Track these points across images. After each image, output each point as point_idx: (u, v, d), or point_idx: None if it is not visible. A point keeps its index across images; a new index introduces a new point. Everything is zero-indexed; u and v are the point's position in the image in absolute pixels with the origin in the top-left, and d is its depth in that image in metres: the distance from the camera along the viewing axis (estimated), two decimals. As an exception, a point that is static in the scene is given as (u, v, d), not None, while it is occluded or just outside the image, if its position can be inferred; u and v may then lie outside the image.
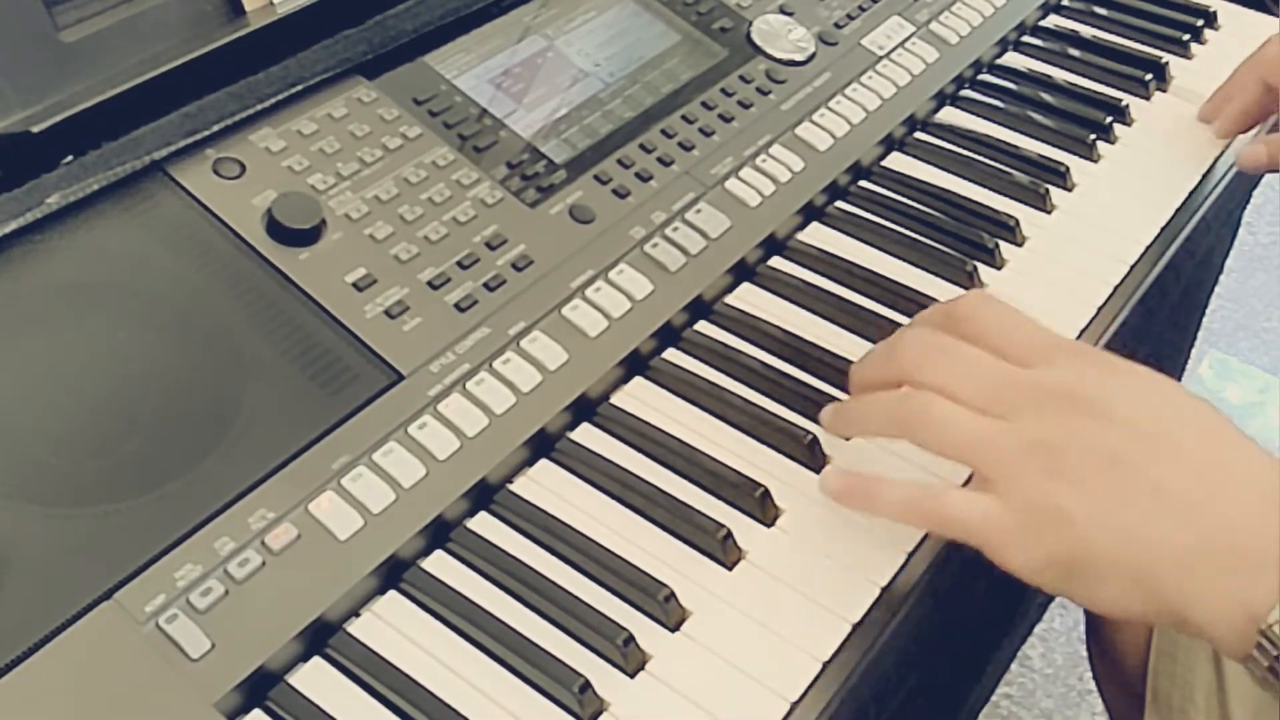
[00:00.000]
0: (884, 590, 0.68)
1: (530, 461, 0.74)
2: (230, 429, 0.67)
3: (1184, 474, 0.61)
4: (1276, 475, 0.62)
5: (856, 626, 0.67)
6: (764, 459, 0.75)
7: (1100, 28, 1.16)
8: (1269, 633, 0.57)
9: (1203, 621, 0.59)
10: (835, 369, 0.80)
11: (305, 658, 0.64)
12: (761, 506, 0.71)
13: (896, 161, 0.99)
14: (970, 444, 0.64)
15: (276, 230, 0.75)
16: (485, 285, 0.77)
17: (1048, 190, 0.95)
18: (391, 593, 0.67)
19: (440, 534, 0.69)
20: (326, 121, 0.81)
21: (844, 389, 0.79)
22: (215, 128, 0.77)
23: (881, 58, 1.03)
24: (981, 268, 0.88)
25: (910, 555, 0.70)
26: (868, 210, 0.93)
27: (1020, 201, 0.95)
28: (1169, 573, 0.59)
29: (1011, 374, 0.66)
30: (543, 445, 0.74)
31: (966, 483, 0.69)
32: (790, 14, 1.02)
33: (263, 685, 0.62)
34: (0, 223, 0.69)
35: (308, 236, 0.75)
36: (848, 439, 0.75)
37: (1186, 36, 1.14)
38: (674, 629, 0.66)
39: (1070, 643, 1.79)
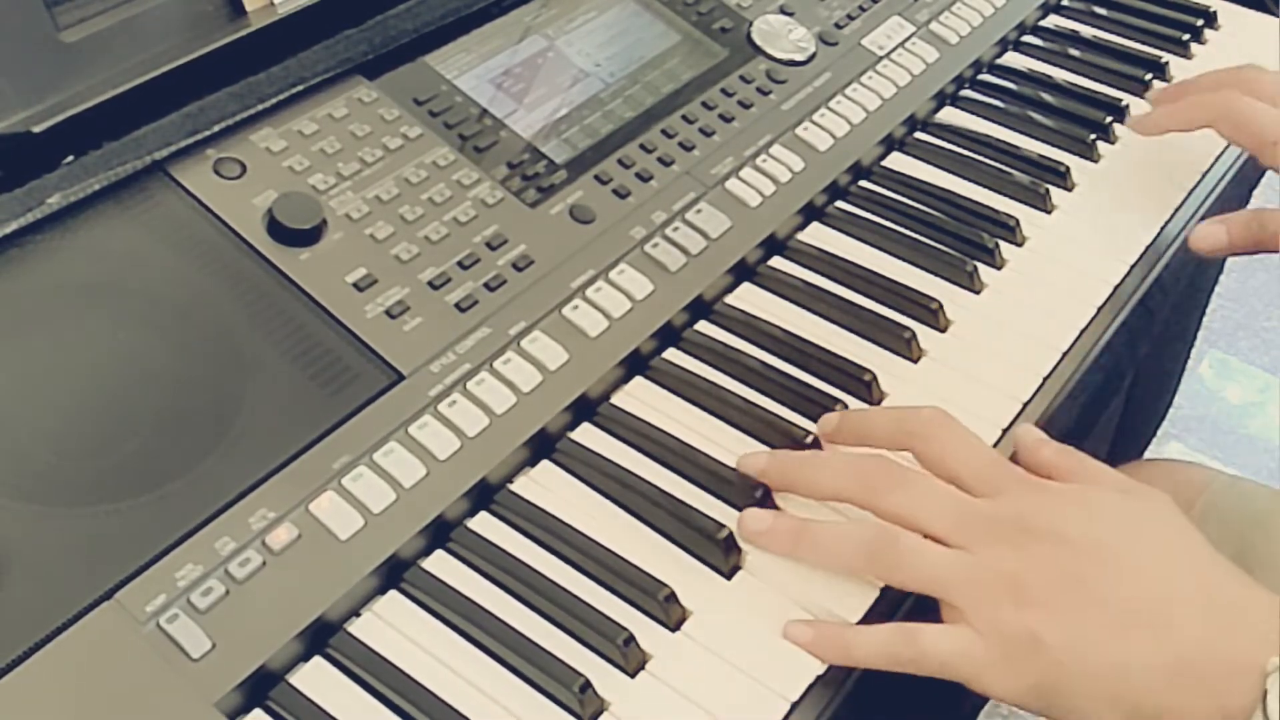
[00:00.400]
0: (885, 589, 0.68)
1: (531, 461, 0.74)
2: (231, 429, 0.68)
3: (1147, 592, 0.63)
4: (1233, 582, 0.64)
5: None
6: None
7: (1100, 28, 1.16)
8: None
9: None
10: (835, 369, 0.80)
11: (306, 657, 0.64)
12: (761, 506, 0.71)
13: (897, 161, 0.99)
14: (939, 579, 0.65)
15: (277, 230, 0.75)
16: (486, 285, 0.77)
17: (1048, 190, 0.95)
18: (392, 592, 0.67)
19: (441, 534, 0.69)
20: (327, 121, 0.81)
21: (844, 389, 0.79)
22: (216, 128, 0.77)
23: (882, 58, 1.03)
24: (982, 267, 0.88)
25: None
26: (868, 210, 0.93)
27: (1020, 201, 0.95)
28: (1147, 692, 0.61)
29: (970, 505, 0.67)
30: (543, 445, 0.74)
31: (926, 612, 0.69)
32: (790, 14, 1.02)
33: (263, 685, 0.62)
34: (1, 223, 0.69)
35: (308, 236, 0.75)
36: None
37: (1186, 36, 1.14)
38: (674, 629, 0.66)
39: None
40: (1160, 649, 0.61)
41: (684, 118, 0.91)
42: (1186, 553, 0.66)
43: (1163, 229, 0.94)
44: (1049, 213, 0.95)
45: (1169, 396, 1.64)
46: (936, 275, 0.88)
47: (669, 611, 0.66)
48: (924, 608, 0.66)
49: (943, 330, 0.84)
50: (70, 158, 0.74)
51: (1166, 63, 1.11)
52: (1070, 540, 0.64)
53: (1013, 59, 1.12)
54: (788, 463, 0.72)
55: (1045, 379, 0.81)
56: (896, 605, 0.68)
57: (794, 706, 0.63)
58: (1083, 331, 0.85)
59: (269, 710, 0.61)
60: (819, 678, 0.64)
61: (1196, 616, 0.62)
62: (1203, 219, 0.93)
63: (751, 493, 0.72)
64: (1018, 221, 0.92)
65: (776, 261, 0.88)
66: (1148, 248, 0.92)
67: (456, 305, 0.75)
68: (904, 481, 0.68)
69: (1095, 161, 1.00)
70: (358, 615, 0.65)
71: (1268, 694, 0.58)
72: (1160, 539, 0.66)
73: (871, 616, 0.67)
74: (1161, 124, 0.96)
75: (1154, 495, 0.68)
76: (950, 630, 0.64)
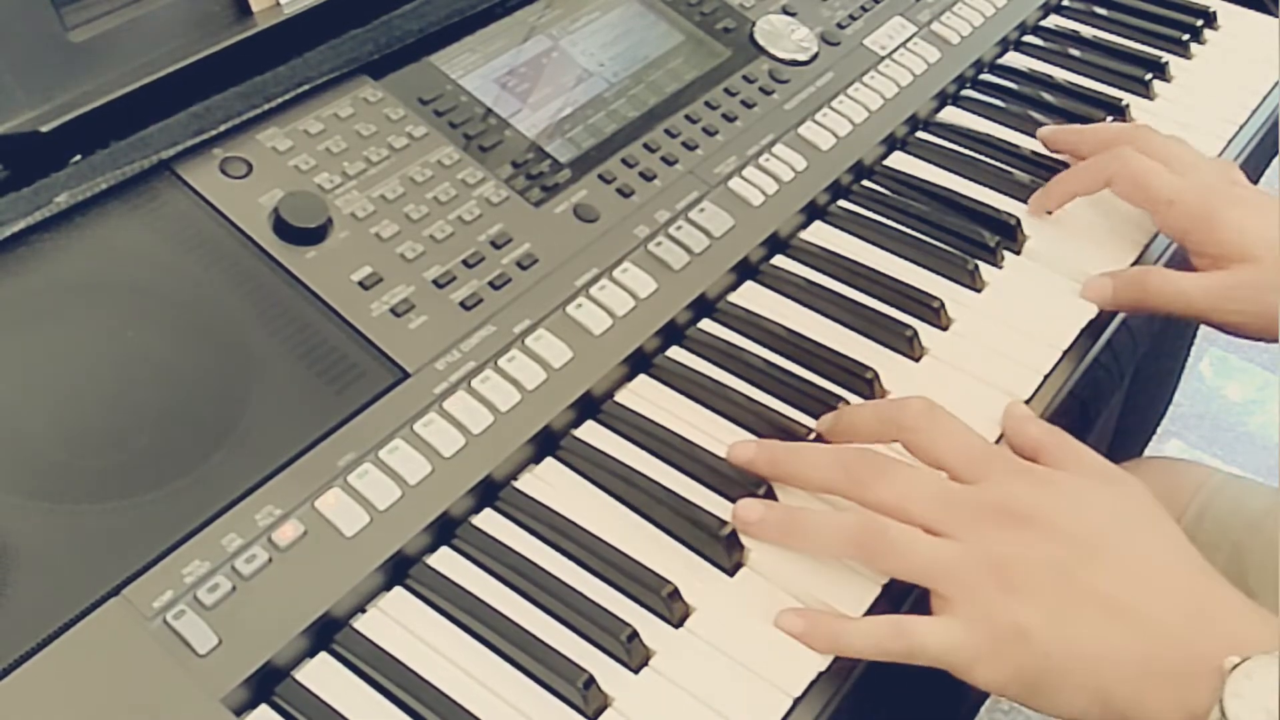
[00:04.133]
0: (887, 586, 0.68)
1: (535, 459, 0.74)
2: (237, 426, 0.68)
3: (1128, 584, 0.64)
4: (1203, 577, 0.66)
5: (859, 623, 0.67)
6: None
7: (1101, 28, 1.17)
8: None
9: None
10: (838, 367, 0.80)
11: (312, 653, 0.64)
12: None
13: (898, 161, 0.99)
14: (927, 567, 0.66)
15: (283, 229, 0.75)
16: (490, 284, 0.77)
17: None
18: (397, 589, 0.67)
19: (446, 531, 0.69)
20: (333, 121, 0.81)
21: (846, 387, 0.80)
22: (222, 127, 0.77)
23: (883, 58, 1.03)
24: (983, 266, 0.89)
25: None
26: (870, 209, 0.93)
27: (1022, 200, 0.96)
28: (1121, 684, 0.62)
29: (955, 492, 0.68)
30: (548, 443, 0.74)
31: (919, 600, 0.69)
32: (793, 14, 1.02)
33: (270, 681, 0.62)
34: (9, 221, 0.69)
35: (314, 235, 0.75)
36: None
37: (1186, 36, 1.14)
38: (678, 625, 0.66)
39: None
40: (1135, 642, 0.62)
41: (687, 117, 0.92)
42: (1164, 546, 0.67)
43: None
44: (1050, 211, 0.95)
45: (1169, 394, 1.64)
46: (938, 274, 0.88)
47: (673, 608, 0.66)
48: (927, 605, 0.67)
49: (944, 328, 0.85)
50: (78, 157, 0.74)
51: (1166, 63, 1.11)
52: (1056, 527, 0.65)
53: (1014, 59, 1.12)
54: (775, 453, 0.73)
55: (1046, 377, 0.82)
56: (898, 602, 0.68)
57: (796, 702, 0.64)
58: (1083, 330, 0.86)
59: (275, 706, 0.62)
60: (821, 674, 0.65)
61: (1169, 611, 0.63)
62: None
63: (754, 489, 0.72)
64: (1019, 220, 0.92)
65: (779, 260, 0.89)
66: (1147, 246, 0.93)
67: (461, 303, 0.76)
68: (888, 472, 0.69)
69: (1096, 161, 1.00)
70: (363, 612, 0.66)
71: (1225, 692, 0.59)
72: (1141, 531, 0.67)
73: (873, 613, 0.68)
74: (1064, 192, 0.94)
75: (1133, 484, 0.70)
76: (940, 623, 0.65)
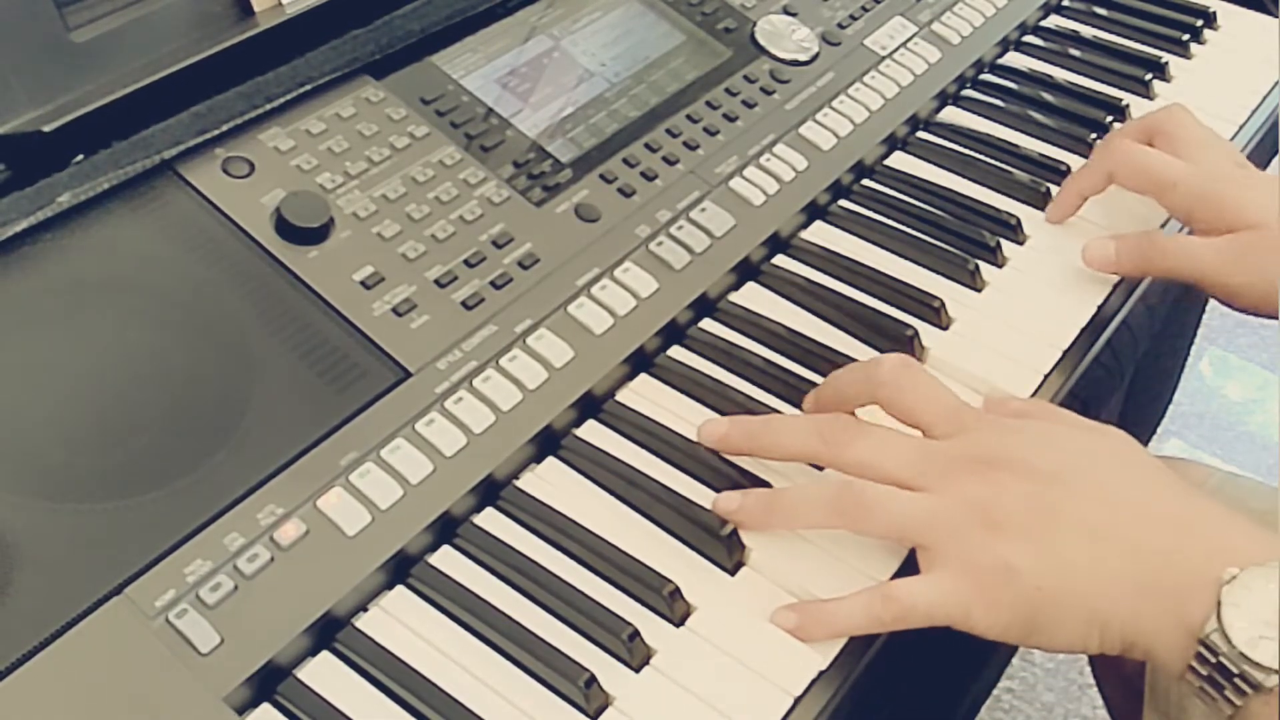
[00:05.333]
0: (891, 578, 0.68)
1: (537, 458, 0.74)
2: (239, 426, 0.68)
3: (1112, 510, 0.65)
4: (1190, 498, 0.66)
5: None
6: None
7: (1101, 28, 1.17)
8: (1207, 640, 0.60)
9: (1149, 645, 0.63)
10: (838, 366, 0.80)
11: (314, 652, 0.64)
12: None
13: (899, 160, 0.99)
14: (908, 522, 0.66)
15: (285, 229, 0.75)
16: (492, 283, 0.77)
17: (1049, 189, 0.96)
18: (399, 588, 0.67)
19: (447, 530, 0.69)
20: (335, 121, 0.81)
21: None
22: (224, 127, 0.77)
23: (884, 58, 1.03)
24: (983, 266, 0.89)
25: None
26: (871, 209, 0.94)
27: (1022, 200, 0.96)
28: (1118, 608, 0.63)
29: (932, 447, 0.69)
30: (549, 442, 0.74)
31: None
32: (794, 15, 1.02)
33: (272, 679, 0.62)
34: (11, 221, 0.69)
35: (316, 235, 0.76)
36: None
37: (1186, 36, 1.14)
38: (679, 624, 0.66)
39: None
40: (1126, 564, 0.63)
41: (688, 117, 0.92)
42: (1146, 474, 0.67)
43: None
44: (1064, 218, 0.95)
45: (1169, 393, 1.64)
46: (938, 273, 0.89)
47: (674, 607, 0.66)
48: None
49: (944, 328, 0.85)
50: (80, 157, 0.74)
51: (1166, 63, 1.11)
52: (1033, 466, 0.66)
53: (1014, 59, 1.13)
54: (749, 426, 0.73)
55: (1046, 376, 0.82)
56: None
57: (797, 701, 0.64)
58: (1083, 329, 0.86)
59: (277, 705, 0.62)
60: (822, 672, 0.65)
61: (1158, 531, 0.64)
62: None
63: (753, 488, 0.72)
64: (1019, 220, 0.93)
65: (780, 260, 0.89)
66: (1148, 246, 0.93)
67: (463, 303, 0.76)
68: (863, 432, 0.69)
69: (1096, 160, 1.01)
70: (365, 610, 0.66)
71: (1221, 603, 0.60)
72: (1120, 463, 0.68)
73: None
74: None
75: (1114, 432, 0.70)
76: (925, 578, 0.65)
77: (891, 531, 0.67)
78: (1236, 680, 0.60)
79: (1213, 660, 0.60)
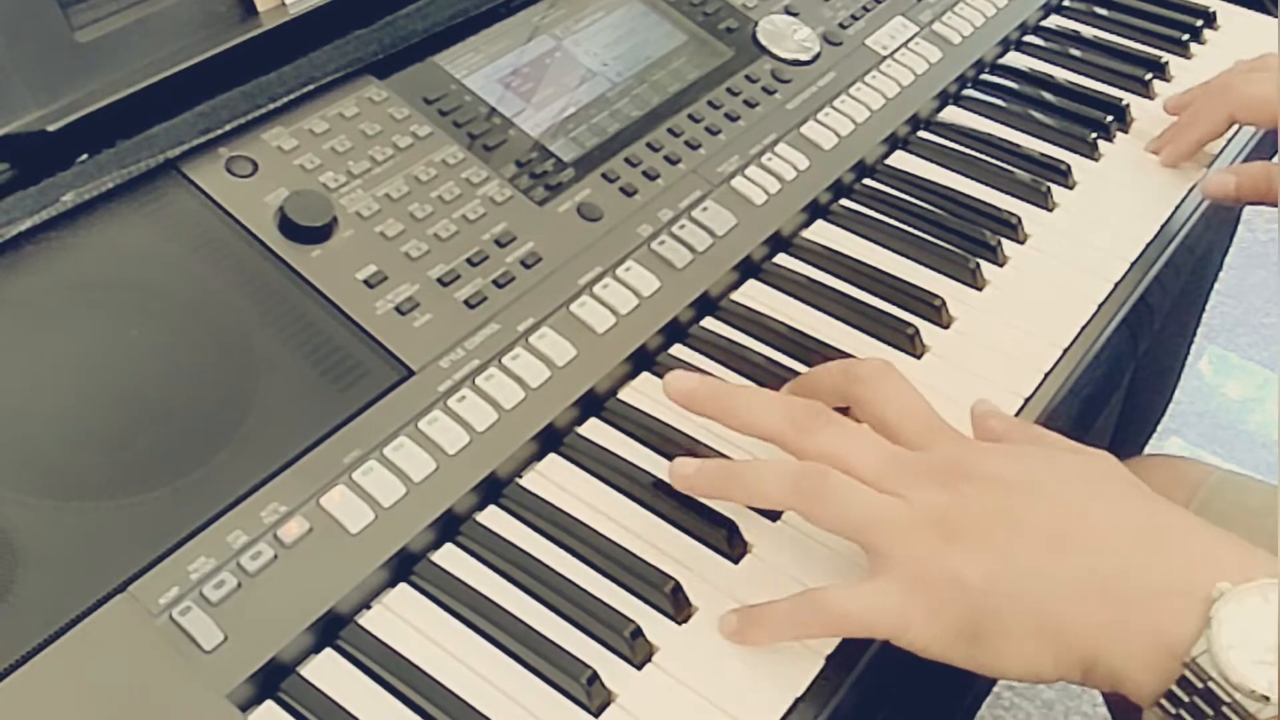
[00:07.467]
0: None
1: (539, 456, 0.74)
2: (243, 424, 0.68)
3: (1081, 522, 0.60)
4: (1176, 514, 0.62)
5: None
6: (768, 452, 0.74)
7: (1101, 28, 1.17)
8: (1193, 664, 0.55)
9: (1116, 665, 0.57)
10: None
11: (317, 649, 0.64)
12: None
13: (900, 160, 1.00)
14: (864, 519, 0.63)
15: (289, 228, 0.75)
16: (494, 282, 0.78)
17: (1049, 188, 0.96)
18: (402, 585, 0.67)
19: (450, 527, 0.70)
20: (338, 120, 0.82)
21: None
22: (228, 126, 0.78)
23: (885, 57, 1.03)
24: (984, 265, 0.89)
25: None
26: (872, 208, 0.94)
27: (1022, 199, 0.96)
28: (1078, 620, 0.58)
29: (899, 452, 0.65)
30: (551, 440, 0.75)
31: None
32: (795, 14, 1.03)
33: (275, 677, 0.62)
34: (16, 220, 0.70)
35: (319, 234, 0.76)
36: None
37: (1186, 36, 1.15)
38: (681, 622, 0.66)
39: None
40: (1090, 567, 0.58)
41: (690, 117, 0.92)
42: (1123, 488, 0.63)
43: (1163, 227, 0.94)
44: (1050, 210, 0.95)
45: (1169, 392, 1.64)
46: (939, 272, 0.89)
47: (675, 604, 0.66)
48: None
49: (945, 327, 0.85)
50: (84, 156, 0.74)
51: (1166, 63, 1.11)
52: (1001, 478, 0.62)
53: (1014, 59, 1.13)
54: (719, 389, 0.71)
55: (1046, 375, 0.82)
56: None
57: (799, 700, 0.64)
58: (1084, 328, 0.86)
59: (280, 702, 0.62)
60: (823, 671, 0.65)
61: (1131, 540, 0.59)
62: (1201, 216, 0.94)
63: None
64: (1020, 219, 0.93)
65: (781, 259, 0.89)
66: (1148, 245, 0.93)
67: (466, 302, 0.76)
68: (833, 422, 0.67)
69: (1096, 160, 1.01)
70: (368, 608, 0.66)
71: (1213, 620, 0.55)
72: (1096, 477, 0.64)
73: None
74: (1191, 140, 0.99)
75: (1098, 453, 0.66)
76: (864, 585, 0.62)
77: (845, 526, 0.63)
78: (1225, 709, 0.55)
79: (1199, 686, 0.55)
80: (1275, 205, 0.92)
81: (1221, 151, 1.01)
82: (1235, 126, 1.01)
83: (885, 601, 0.61)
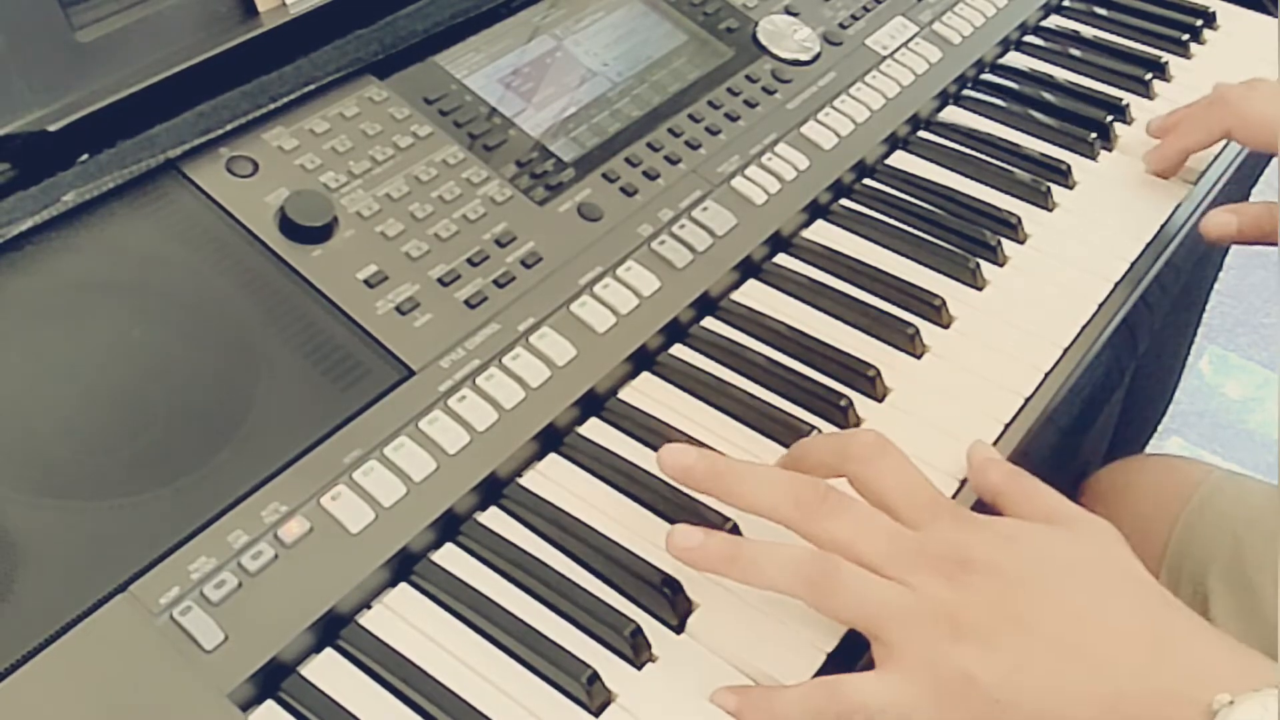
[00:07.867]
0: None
1: (539, 456, 0.74)
2: (243, 424, 0.68)
3: (1084, 625, 0.61)
4: (1177, 615, 0.62)
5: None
6: (770, 454, 0.75)
7: (1101, 28, 1.17)
8: None
9: None
10: (840, 365, 0.80)
11: (317, 649, 0.64)
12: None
13: (900, 160, 1.00)
14: (876, 611, 0.62)
15: (289, 228, 0.75)
16: (495, 282, 0.78)
17: (1049, 188, 0.96)
18: (402, 585, 0.67)
19: (450, 527, 0.70)
20: (338, 120, 0.82)
21: (848, 384, 0.80)
22: (229, 126, 0.78)
23: (885, 57, 1.03)
24: (984, 264, 0.89)
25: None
26: (872, 208, 0.94)
27: (1022, 199, 0.96)
28: None
29: (904, 536, 0.64)
30: (552, 440, 0.75)
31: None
32: (795, 14, 1.03)
33: (275, 676, 0.62)
34: (17, 220, 0.70)
35: (320, 234, 0.76)
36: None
37: (1186, 36, 1.15)
38: (681, 622, 0.67)
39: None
40: (1098, 681, 0.59)
41: (690, 117, 0.92)
42: (1126, 586, 0.63)
43: (1163, 227, 0.95)
44: (1050, 210, 0.96)
45: (1169, 392, 1.64)
46: (940, 272, 0.89)
47: (676, 604, 0.66)
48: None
49: (946, 326, 0.85)
50: (85, 156, 0.74)
51: (1166, 63, 1.11)
52: (1005, 573, 0.62)
53: (1014, 59, 1.13)
54: (718, 465, 0.68)
55: (1047, 375, 0.82)
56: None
57: (799, 698, 0.64)
58: (1084, 328, 0.86)
59: (281, 702, 0.62)
60: (824, 668, 0.65)
61: (1135, 648, 0.60)
62: (1202, 216, 0.94)
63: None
64: (1020, 219, 0.93)
65: (782, 258, 0.89)
66: (1148, 245, 0.93)
67: (466, 302, 0.76)
68: (840, 506, 0.65)
69: (1096, 160, 1.01)
70: (368, 608, 0.66)
71: None
72: (1099, 571, 0.64)
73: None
74: (1178, 148, 0.98)
75: (1093, 525, 0.66)
76: (877, 677, 0.61)
77: (856, 618, 0.63)
78: None
79: None
80: (1277, 245, 0.91)
81: (1207, 169, 1.00)
82: (1223, 144, 1.01)
83: (900, 695, 0.60)
